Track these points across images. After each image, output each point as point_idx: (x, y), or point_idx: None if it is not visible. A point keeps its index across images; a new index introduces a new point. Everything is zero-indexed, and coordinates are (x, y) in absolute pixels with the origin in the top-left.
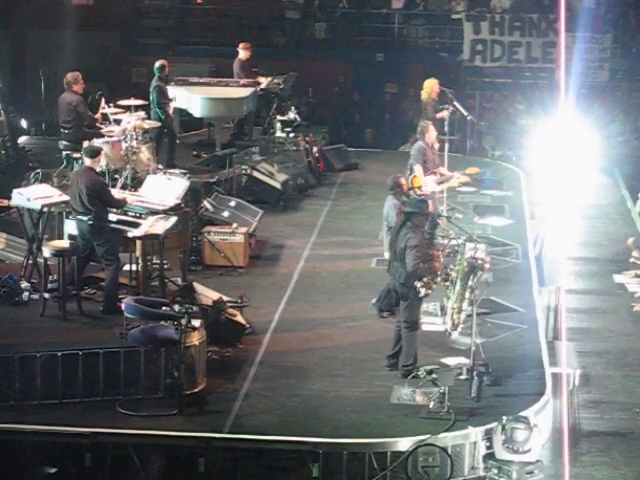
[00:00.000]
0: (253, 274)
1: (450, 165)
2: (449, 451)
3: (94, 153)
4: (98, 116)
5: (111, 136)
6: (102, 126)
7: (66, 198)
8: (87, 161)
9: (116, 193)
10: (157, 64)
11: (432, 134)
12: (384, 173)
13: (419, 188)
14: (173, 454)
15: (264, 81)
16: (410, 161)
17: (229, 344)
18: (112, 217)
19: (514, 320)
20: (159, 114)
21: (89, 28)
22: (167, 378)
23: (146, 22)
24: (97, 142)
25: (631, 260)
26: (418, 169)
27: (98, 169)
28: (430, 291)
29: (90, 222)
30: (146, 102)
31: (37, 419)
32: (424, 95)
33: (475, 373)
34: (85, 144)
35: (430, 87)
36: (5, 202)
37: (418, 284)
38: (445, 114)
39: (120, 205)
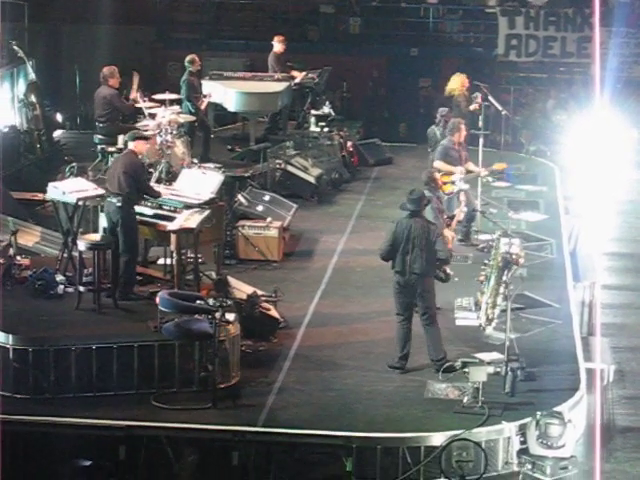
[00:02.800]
0: (287, 268)
1: (484, 160)
2: (483, 446)
3: (135, 137)
4: (133, 95)
5: (146, 130)
6: (140, 101)
7: (101, 192)
8: (130, 144)
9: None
10: (188, 58)
11: (463, 133)
12: (418, 168)
13: (445, 185)
14: (207, 447)
15: (298, 75)
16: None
17: (263, 338)
18: (148, 211)
19: (548, 315)
20: (189, 107)
21: (124, 22)
22: (201, 372)
23: (181, 16)
24: None
25: None
26: (441, 165)
27: None
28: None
29: (118, 204)
30: (180, 96)
31: (72, 412)
32: (455, 92)
33: (509, 368)
34: (120, 138)
35: (459, 83)
36: (40, 196)
37: (448, 269)
38: (477, 106)
39: (154, 195)
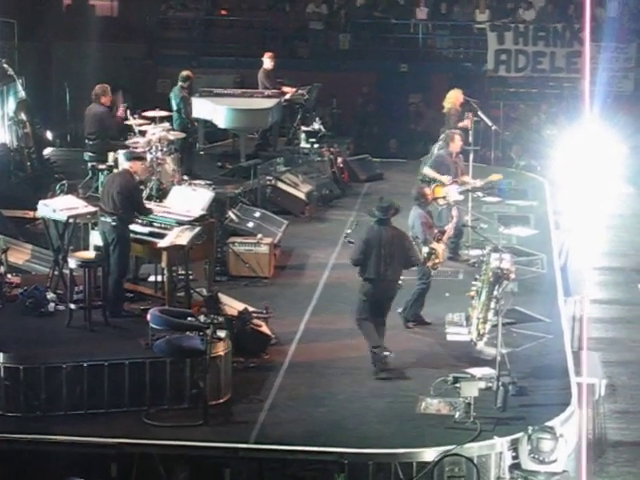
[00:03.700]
0: (278, 284)
1: (474, 175)
2: (475, 461)
3: (132, 157)
4: (120, 113)
5: (136, 147)
6: (126, 122)
7: (92, 209)
8: (125, 164)
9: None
10: (183, 73)
11: (457, 143)
12: (409, 183)
13: (443, 198)
14: (198, 464)
15: (289, 91)
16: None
17: (254, 354)
18: (139, 228)
19: (540, 330)
20: (185, 123)
21: (114, 40)
22: (192, 389)
23: (171, 33)
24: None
25: None
26: (429, 172)
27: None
28: None
29: (114, 223)
30: (171, 113)
31: (63, 430)
32: (448, 105)
33: (500, 383)
34: (110, 155)
35: (455, 97)
36: (31, 213)
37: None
38: (467, 123)
39: (147, 213)
